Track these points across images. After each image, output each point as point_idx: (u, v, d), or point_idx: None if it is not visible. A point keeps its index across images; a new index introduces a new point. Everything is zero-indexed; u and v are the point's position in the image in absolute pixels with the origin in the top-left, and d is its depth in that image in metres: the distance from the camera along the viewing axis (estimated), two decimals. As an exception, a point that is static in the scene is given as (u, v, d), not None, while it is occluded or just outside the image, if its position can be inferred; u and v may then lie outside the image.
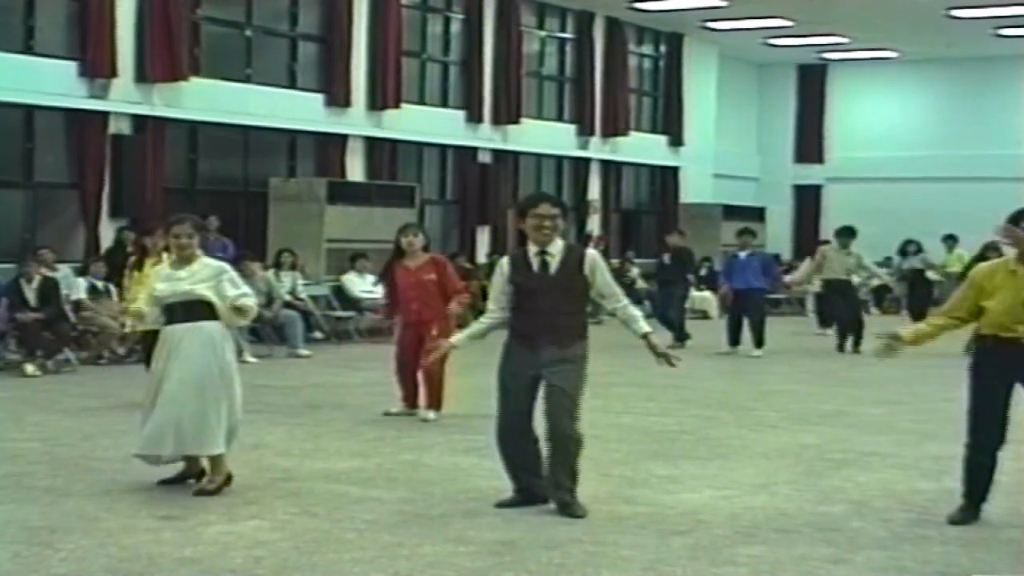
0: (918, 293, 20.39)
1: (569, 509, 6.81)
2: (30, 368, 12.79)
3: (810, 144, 30.47)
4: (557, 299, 6.89)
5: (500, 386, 7.01)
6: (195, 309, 7.31)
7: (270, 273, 16.35)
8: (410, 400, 10.44)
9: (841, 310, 16.98)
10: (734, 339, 16.21)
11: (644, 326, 7.08)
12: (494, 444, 7.14)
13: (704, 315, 21.51)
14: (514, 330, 7.03)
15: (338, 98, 19.50)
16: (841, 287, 16.91)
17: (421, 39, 21.44)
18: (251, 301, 7.45)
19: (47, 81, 15.93)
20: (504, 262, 7.07)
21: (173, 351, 7.30)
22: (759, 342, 16.10)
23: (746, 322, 16.27)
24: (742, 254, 16.62)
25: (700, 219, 24.94)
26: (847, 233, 17.01)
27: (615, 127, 24.74)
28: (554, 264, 6.92)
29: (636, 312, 7.14)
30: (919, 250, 20.97)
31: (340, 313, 17.40)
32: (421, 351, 9.80)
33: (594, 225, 24.74)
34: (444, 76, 21.94)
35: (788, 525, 6.75)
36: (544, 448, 6.98)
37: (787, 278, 20.61)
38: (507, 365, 6.98)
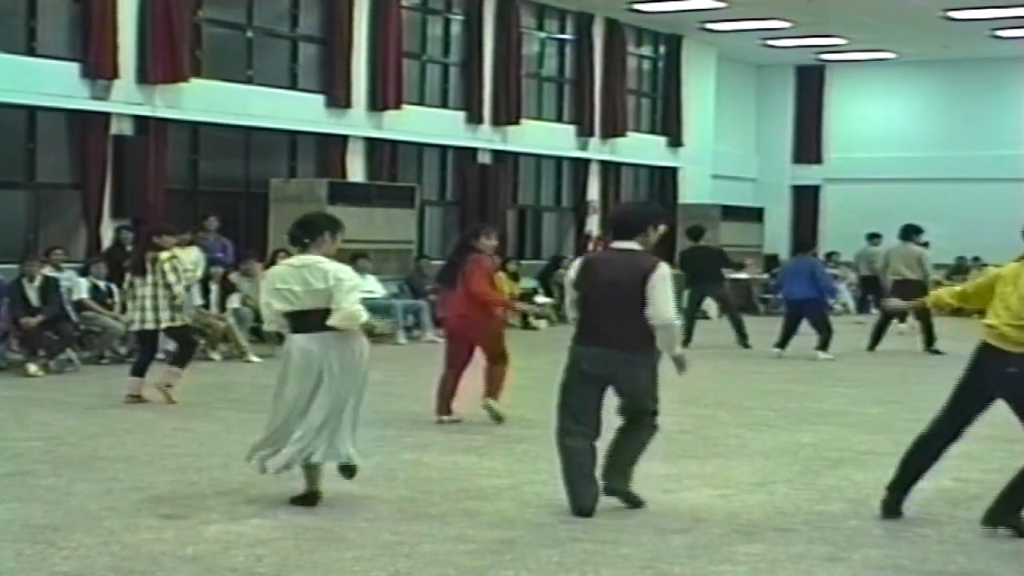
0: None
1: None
2: (33, 368, 12.83)
3: (808, 145, 30.49)
4: None
5: None
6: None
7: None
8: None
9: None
10: (781, 341, 16.07)
11: None
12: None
13: (703, 316, 21.49)
14: None
15: (339, 99, 19.53)
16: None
17: (421, 40, 21.46)
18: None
19: (49, 82, 15.96)
20: None
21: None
22: (823, 344, 15.99)
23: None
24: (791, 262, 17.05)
25: (699, 220, 24.96)
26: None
27: (614, 128, 24.76)
28: None
29: None
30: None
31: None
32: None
33: (593, 225, 24.77)
34: (444, 77, 21.97)
35: (786, 524, 6.78)
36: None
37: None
38: None
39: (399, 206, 18.86)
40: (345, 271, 7.02)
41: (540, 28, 23.88)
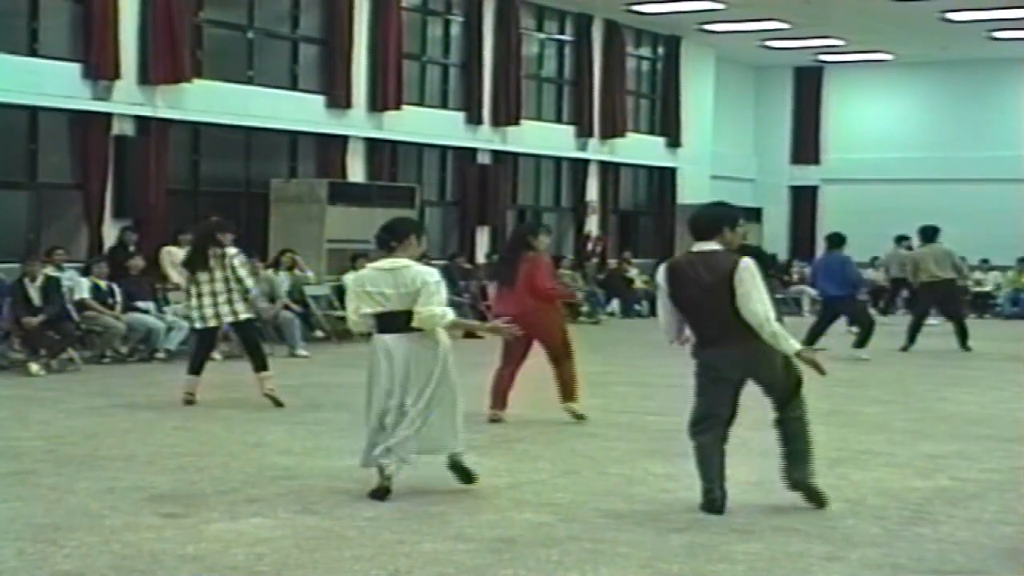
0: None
1: None
2: (34, 367, 12.86)
3: (806, 145, 30.55)
4: None
5: None
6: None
7: (271, 272, 16.43)
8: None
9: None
10: (809, 338, 15.53)
11: None
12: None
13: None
14: None
15: (339, 100, 19.57)
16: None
17: (421, 41, 21.51)
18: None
19: (51, 83, 16.00)
20: None
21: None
22: (860, 342, 15.94)
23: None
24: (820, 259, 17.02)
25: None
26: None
27: (613, 128, 24.81)
28: None
29: None
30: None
31: (341, 313, 17.41)
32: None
33: (592, 226, 24.80)
34: (444, 78, 22.01)
35: (784, 523, 6.79)
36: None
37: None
38: None
39: (399, 206, 18.81)
40: (432, 274, 7.20)
41: (539, 29, 23.93)
